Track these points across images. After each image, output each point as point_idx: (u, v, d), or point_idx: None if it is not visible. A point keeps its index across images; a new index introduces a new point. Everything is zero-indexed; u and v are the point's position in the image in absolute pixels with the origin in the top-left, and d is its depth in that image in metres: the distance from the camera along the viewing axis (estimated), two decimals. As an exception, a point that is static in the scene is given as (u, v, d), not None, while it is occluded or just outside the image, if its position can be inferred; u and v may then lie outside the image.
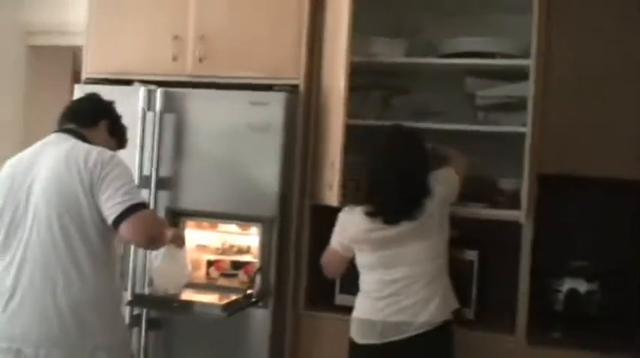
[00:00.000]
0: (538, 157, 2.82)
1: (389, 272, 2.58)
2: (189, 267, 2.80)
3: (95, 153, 2.27)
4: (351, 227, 2.64)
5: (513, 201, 2.89)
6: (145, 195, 2.94)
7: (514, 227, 2.88)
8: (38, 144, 2.38)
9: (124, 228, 2.21)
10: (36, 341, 2.19)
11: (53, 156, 2.27)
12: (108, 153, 2.30)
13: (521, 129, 2.79)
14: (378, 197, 2.58)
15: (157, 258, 2.71)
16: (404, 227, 2.55)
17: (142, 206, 2.24)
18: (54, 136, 2.38)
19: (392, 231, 2.56)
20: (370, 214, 2.57)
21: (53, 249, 2.21)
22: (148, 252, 2.93)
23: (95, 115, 2.47)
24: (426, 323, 2.52)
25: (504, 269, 2.98)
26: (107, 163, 2.24)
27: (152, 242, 2.36)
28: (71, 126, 2.42)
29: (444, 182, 2.65)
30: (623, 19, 2.90)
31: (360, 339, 2.62)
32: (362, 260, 2.66)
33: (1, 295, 2.24)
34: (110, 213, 2.20)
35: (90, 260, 2.23)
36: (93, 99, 2.54)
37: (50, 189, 2.23)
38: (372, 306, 2.60)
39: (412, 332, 2.52)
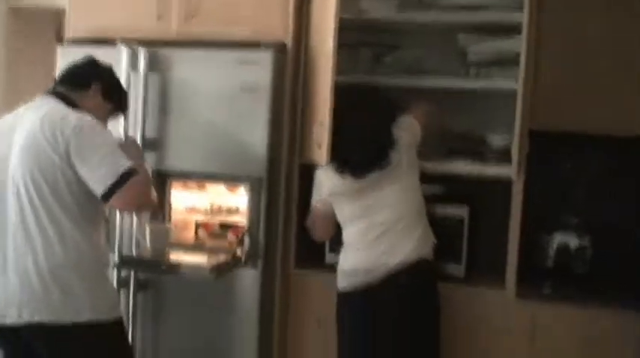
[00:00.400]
0: (529, 113, 2.80)
1: (366, 221, 2.68)
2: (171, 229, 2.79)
3: (73, 118, 2.19)
4: (325, 182, 2.74)
5: (503, 158, 2.87)
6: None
7: (504, 183, 2.87)
8: (21, 108, 2.33)
9: (114, 201, 2.18)
10: (18, 304, 2.17)
11: (31, 120, 2.21)
12: (86, 119, 2.22)
13: (513, 85, 2.76)
14: (344, 153, 2.64)
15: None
16: (373, 177, 2.65)
17: (129, 174, 2.18)
18: (38, 99, 2.32)
19: (362, 182, 2.66)
20: (339, 171, 2.67)
21: (32, 214, 2.18)
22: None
23: (87, 78, 2.38)
24: (400, 264, 2.62)
25: (495, 225, 2.99)
26: (84, 131, 2.17)
27: (142, 209, 2.33)
28: (61, 89, 2.35)
29: (407, 129, 2.72)
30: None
31: (344, 288, 2.71)
32: (341, 213, 2.75)
33: None
34: (97, 188, 2.16)
35: (70, 223, 2.19)
36: (87, 62, 2.45)
37: (26, 154, 2.18)
38: (354, 256, 2.71)
39: (387, 273, 2.62)
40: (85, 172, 2.16)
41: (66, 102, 2.29)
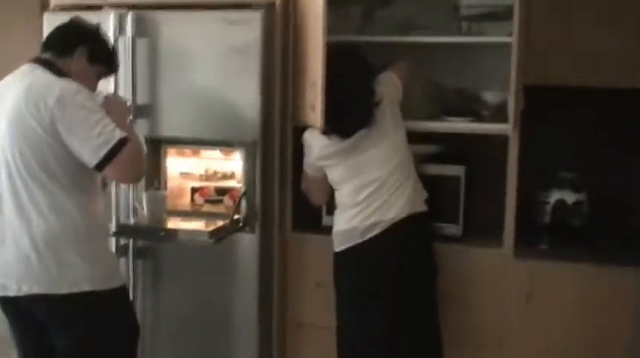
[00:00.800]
0: (523, 68, 2.76)
1: (357, 181, 2.70)
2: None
3: (57, 88, 2.15)
4: (314, 145, 2.75)
5: (498, 114, 2.84)
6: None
7: (500, 140, 2.84)
8: (8, 76, 2.29)
9: (108, 172, 2.18)
10: (17, 277, 2.19)
11: (16, 91, 2.18)
12: (71, 89, 2.17)
13: (507, 39, 2.71)
14: (328, 114, 2.60)
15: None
16: (360, 136, 2.67)
17: (120, 144, 2.15)
18: (24, 67, 2.28)
19: (349, 142, 2.68)
20: (326, 132, 2.67)
21: (24, 188, 2.17)
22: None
23: (70, 42, 2.31)
24: (393, 219, 2.65)
25: (491, 183, 2.97)
26: (69, 102, 2.13)
27: (137, 178, 2.31)
28: (46, 55, 2.30)
29: (387, 84, 2.74)
30: None
31: (340, 248, 2.74)
32: (332, 175, 2.78)
33: None
34: (89, 159, 2.14)
35: (64, 194, 2.18)
36: (71, 24, 2.38)
37: (12, 129, 2.16)
38: (347, 216, 2.72)
39: (382, 230, 2.64)
40: (74, 144, 2.14)
41: (51, 69, 2.24)
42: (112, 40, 2.84)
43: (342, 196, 2.76)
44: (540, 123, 3.06)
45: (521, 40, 2.70)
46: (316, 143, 2.75)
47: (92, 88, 2.37)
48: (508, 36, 2.71)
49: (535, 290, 2.79)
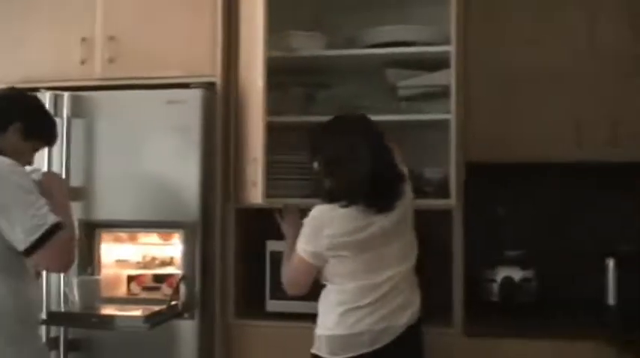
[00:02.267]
0: (464, 144, 2.79)
1: (372, 277, 2.35)
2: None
3: None
4: (329, 230, 2.33)
5: (441, 191, 2.83)
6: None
7: (444, 218, 2.81)
8: None
9: (38, 258, 2.04)
10: None
11: None
12: (5, 168, 2.05)
13: (446, 116, 2.75)
14: (366, 187, 2.31)
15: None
16: (390, 218, 2.35)
17: (53, 229, 2.02)
18: None
19: (379, 224, 2.33)
20: (367, 205, 2.32)
21: None
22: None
23: (3, 119, 2.20)
24: (404, 325, 2.36)
25: (436, 262, 2.91)
26: (4, 182, 2.01)
27: (67, 267, 2.17)
28: None
29: (404, 169, 2.52)
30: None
31: (339, 355, 2.34)
32: (339, 268, 2.37)
33: None
34: (19, 243, 2.01)
35: None
36: (4, 98, 2.28)
37: None
38: (352, 319, 2.34)
39: (394, 336, 2.34)
40: (4, 226, 2.01)
41: None
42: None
43: (344, 293, 2.37)
44: (484, 200, 3.07)
45: (460, 116, 2.75)
46: (334, 226, 2.34)
47: (28, 162, 2.27)
48: (447, 113, 2.75)
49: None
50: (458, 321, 2.76)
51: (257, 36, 2.64)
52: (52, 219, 2.04)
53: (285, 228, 2.60)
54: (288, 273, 2.48)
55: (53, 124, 2.36)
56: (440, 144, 2.84)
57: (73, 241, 2.19)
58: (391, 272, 2.36)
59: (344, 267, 2.36)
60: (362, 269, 2.35)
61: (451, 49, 2.75)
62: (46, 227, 2.01)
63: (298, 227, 2.44)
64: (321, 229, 2.34)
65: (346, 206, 2.32)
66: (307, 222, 2.38)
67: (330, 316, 2.36)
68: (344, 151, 2.35)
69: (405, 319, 2.36)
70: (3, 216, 2.01)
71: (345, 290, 2.36)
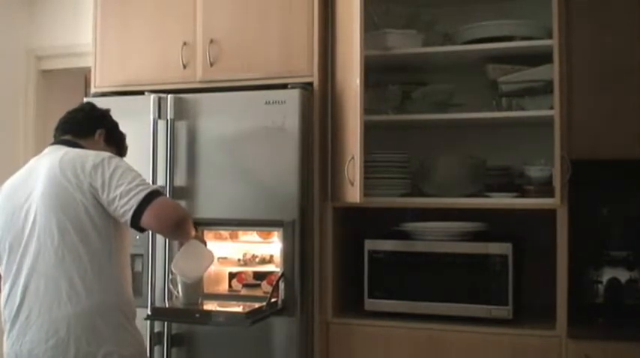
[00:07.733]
0: (567, 141, 2.70)
1: None
2: (212, 253, 2.62)
3: (92, 155, 2.21)
4: None
5: (543, 189, 2.75)
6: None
7: (546, 217, 2.73)
8: (33, 159, 2.33)
9: (147, 218, 2.12)
10: (43, 355, 2.09)
11: (47, 166, 2.21)
12: (105, 154, 2.23)
13: (549, 113, 2.66)
14: None
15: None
16: None
17: (158, 193, 2.17)
18: (48, 149, 2.33)
19: None
20: None
21: (57, 259, 2.13)
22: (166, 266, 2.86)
23: (90, 125, 2.41)
24: None
25: (539, 262, 2.84)
26: (107, 165, 2.17)
27: (179, 227, 2.24)
28: (67, 137, 2.36)
29: None
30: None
31: None
32: None
33: (8, 314, 2.18)
34: (128, 208, 2.12)
35: (95, 269, 2.14)
36: (86, 108, 2.47)
37: (48, 198, 2.15)
38: None
39: None
40: (112, 200, 2.13)
41: (75, 147, 2.30)
42: (151, 123, 2.92)
43: None
44: (588, 199, 2.95)
45: (563, 112, 2.65)
46: None
47: None
48: (550, 109, 2.67)
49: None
50: (562, 324, 2.67)
51: (353, 35, 2.63)
52: (154, 186, 2.22)
53: None
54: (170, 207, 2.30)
55: (124, 135, 2.54)
56: (541, 140, 2.75)
57: (180, 206, 2.37)
58: None
59: None
60: None
61: (553, 42, 2.67)
62: (149, 189, 2.15)
63: None
64: None
65: None
66: None
67: None
68: None
69: None
70: (110, 192, 2.13)
71: None
